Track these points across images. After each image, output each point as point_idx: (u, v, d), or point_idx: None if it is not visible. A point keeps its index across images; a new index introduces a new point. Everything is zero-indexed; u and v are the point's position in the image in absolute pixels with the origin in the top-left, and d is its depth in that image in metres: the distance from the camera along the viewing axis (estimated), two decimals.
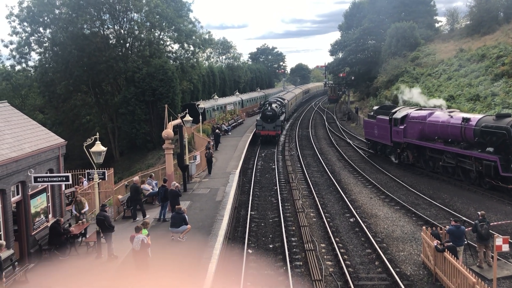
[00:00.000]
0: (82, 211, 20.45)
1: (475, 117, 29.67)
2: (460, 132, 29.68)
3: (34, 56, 61.82)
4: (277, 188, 31.44)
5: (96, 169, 18.14)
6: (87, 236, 19.13)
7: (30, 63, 62.87)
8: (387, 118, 38.34)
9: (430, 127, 32.87)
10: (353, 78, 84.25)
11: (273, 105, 52.55)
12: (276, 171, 37.36)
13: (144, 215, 22.33)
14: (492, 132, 27.08)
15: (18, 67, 64.68)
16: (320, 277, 17.05)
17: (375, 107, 46.15)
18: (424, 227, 18.70)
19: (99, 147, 17.36)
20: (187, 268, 15.91)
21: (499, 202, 25.97)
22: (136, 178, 25.01)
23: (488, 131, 27.38)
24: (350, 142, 51.41)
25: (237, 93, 77.15)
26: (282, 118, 54.67)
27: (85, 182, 24.97)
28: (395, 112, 38.10)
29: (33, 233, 17.19)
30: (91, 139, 17.43)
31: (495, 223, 20.87)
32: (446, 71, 53.82)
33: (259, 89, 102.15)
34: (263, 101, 65.66)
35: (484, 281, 14.72)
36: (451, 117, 31.25)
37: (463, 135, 29.49)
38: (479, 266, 17.34)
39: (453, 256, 15.51)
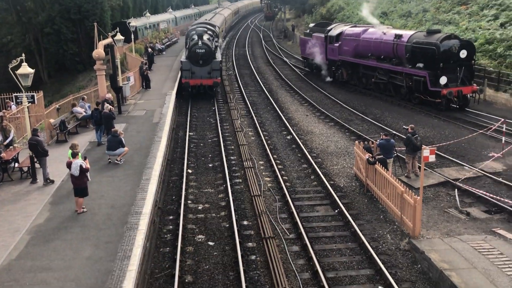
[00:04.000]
0: (7, 141, 19.60)
1: (406, 33, 30.30)
2: (392, 49, 30.35)
3: None
4: (215, 109, 31.37)
5: (24, 92, 17.26)
6: (20, 161, 18.54)
7: None
8: (323, 35, 38.43)
9: (364, 44, 33.34)
10: None
11: (205, 37, 33.95)
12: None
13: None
14: (423, 48, 27.87)
15: None
16: (259, 192, 17.60)
17: (311, 25, 45.99)
18: (356, 142, 19.48)
19: (26, 69, 16.39)
20: (127, 189, 15.92)
21: (427, 116, 27.31)
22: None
23: (419, 47, 28.15)
24: (287, 60, 51.45)
25: (170, 10, 74.18)
26: (218, 56, 35.55)
27: (13, 106, 23.77)
28: (331, 29, 38.17)
29: None
30: (17, 61, 16.40)
31: (443, 143, 22.01)
32: None
33: (193, 6, 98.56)
34: (188, 31, 41.43)
35: (411, 189, 15.74)
36: (384, 34, 31.75)
37: (395, 51, 30.20)
38: (407, 177, 18.45)
39: (383, 167, 16.37)
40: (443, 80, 26.76)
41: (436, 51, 26.85)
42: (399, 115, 27.87)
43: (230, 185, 18.61)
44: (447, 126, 25.33)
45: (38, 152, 16.76)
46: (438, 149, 20.20)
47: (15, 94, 18.72)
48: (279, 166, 20.77)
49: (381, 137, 18.08)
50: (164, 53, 51.73)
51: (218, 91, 36.39)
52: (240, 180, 19.45)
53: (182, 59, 34.49)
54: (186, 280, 12.68)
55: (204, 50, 32.79)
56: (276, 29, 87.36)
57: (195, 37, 33.90)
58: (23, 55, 17.04)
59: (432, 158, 14.20)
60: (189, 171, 20.64)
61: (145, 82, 33.86)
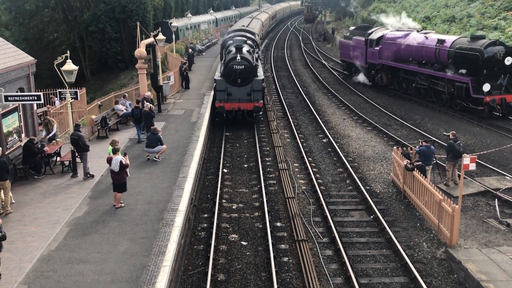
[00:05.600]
0: (50, 135, 20.26)
1: (449, 38, 29.68)
2: (435, 54, 29.78)
3: None
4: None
5: (68, 89, 17.77)
6: (62, 155, 19.09)
7: None
8: (363, 39, 38.05)
9: (405, 49, 32.84)
10: None
11: (244, 49, 27.71)
12: None
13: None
14: (466, 54, 27.24)
15: None
16: (293, 194, 17.57)
17: (351, 28, 45.61)
18: (395, 147, 19.21)
19: (70, 65, 16.91)
20: (164, 186, 16.18)
21: (468, 123, 26.68)
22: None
23: (462, 53, 27.53)
24: (325, 63, 51.18)
25: (211, 11, 74.92)
26: (260, 73, 28.61)
27: (57, 102, 24.56)
28: (371, 33, 37.75)
29: (6, 152, 17.04)
30: (62, 58, 16.92)
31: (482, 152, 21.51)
32: None
33: (234, 7, 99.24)
34: (223, 39, 35.57)
35: (450, 198, 15.41)
36: (426, 38, 31.21)
37: (437, 56, 29.62)
38: (446, 184, 18.06)
39: (421, 174, 16.09)
40: (486, 87, 26.10)
41: (480, 57, 26.20)
42: (440, 122, 27.32)
43: (264, 186, 18.65)
44: (489, 134, 24.68)
45: (80, 147, 17.23)
46: (479, 157, 19.71)
47: (59, 90, 19.28)
48: (314, 169, 20.68)
49: (420, 144, 17.75)
50: (204, 53, 52.26)
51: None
52: (275, 182, 19.46)
53: (216, 77, 28.19)
54: (219, 279, 12.79)
55: (243, 66, 26.51)
56: (316, 31, 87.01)
57: (233, 49, 27.74)
58: (68, 52, 17.55)
59: (472, 167, 13.88)
60: (225, 170, 20.79)
61: (185, 82, 34.31)
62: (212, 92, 29.51)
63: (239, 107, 26.88)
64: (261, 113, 28.86)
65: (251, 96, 26.93)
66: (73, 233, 13.11)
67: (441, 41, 29.48)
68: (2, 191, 14.47)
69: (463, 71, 27.43)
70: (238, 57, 26.52)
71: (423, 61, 31.21)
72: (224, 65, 27.50)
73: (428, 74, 30.58)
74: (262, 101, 27.84)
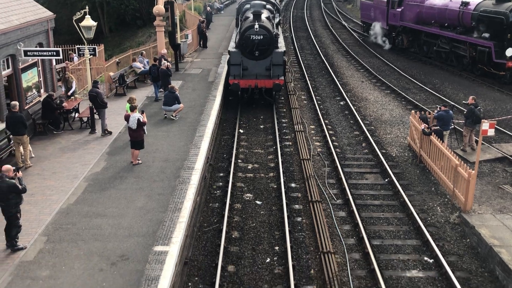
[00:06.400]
0: (70, 92, 20.41)
1: (474, 1, 28.87)
2: (458, 16, 29.06)
3: None
4: None
5: (87, 45, 17.78)
6: (80, 112, 19.29)
7: None
8: (385, 0, 37.21)
9: (428, 10, 32.09)
10: None
11: (263, 16, 23.65)
12: None
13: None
14: (490, 17, 26.53)
15: None
16: (308, 156, 17.62)
17: None
18: (412, 111, 19.03)
19: (89, 21, 16.87)
20: (181, 145, 16.34)
21: (489, 89, 26.24)
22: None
23: (486, 16, 26.81)
24: (346, 24, 50.27)
25: None
26: (281, 44, 25.04)
27: (75, 58, 24.62)
28: None
29: (26, 107, 17.28)
30: (81, 13, 16.87)
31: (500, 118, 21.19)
32: None
33: None
34: (239, 2, 30.78)
35: (466, 163, 15.34)
36: (450, 0, 30.40)
37: (460, 19, 28.91)
38: (463, 150, 17.94)
39: (439, 139, 15.99)
40: (509, 52, 25.49)
41: (505, 20, 25.49)
42: (460, 86, 26.90)
43: (280, 147, 18.70)
44: (510, 100, 24.27)
45: (98, 103, 17.38)
46: (498, 123, 19.46)
47: (78, 46, 19.30)
48: (330, 132, 20.64)
49: (439, 109, 17.55)
50: (222, 12, 51.61)
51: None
52: (290, 143, 19.50)
53: (230, 48, 24.27)
54: (233, 236, 13.02)
55: (262, 37, 22.62)
56: None
57: (250, 15, 23.90)
58: (87, 8, 17.48)
59: (491, 132, 13.72)
60: (241, 131, 20.85)
61: (203, 40, 34.10)
62: (224, 70, 26.42)
63: (256, 84, 23.00)
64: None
65: (270, 71, 23.16)
66: (91, 188, 13.38)
67: (465, 4, 28.72)
68: (21, 146, 14.74)
69: (486, 35, 26.77)
70: (256, 26, 22.50)
71: (446, 24, 30.51)
72: (240, 34, 23.74)
73: (450, 38, 29.94)
74: (283, 78, 23.90)
